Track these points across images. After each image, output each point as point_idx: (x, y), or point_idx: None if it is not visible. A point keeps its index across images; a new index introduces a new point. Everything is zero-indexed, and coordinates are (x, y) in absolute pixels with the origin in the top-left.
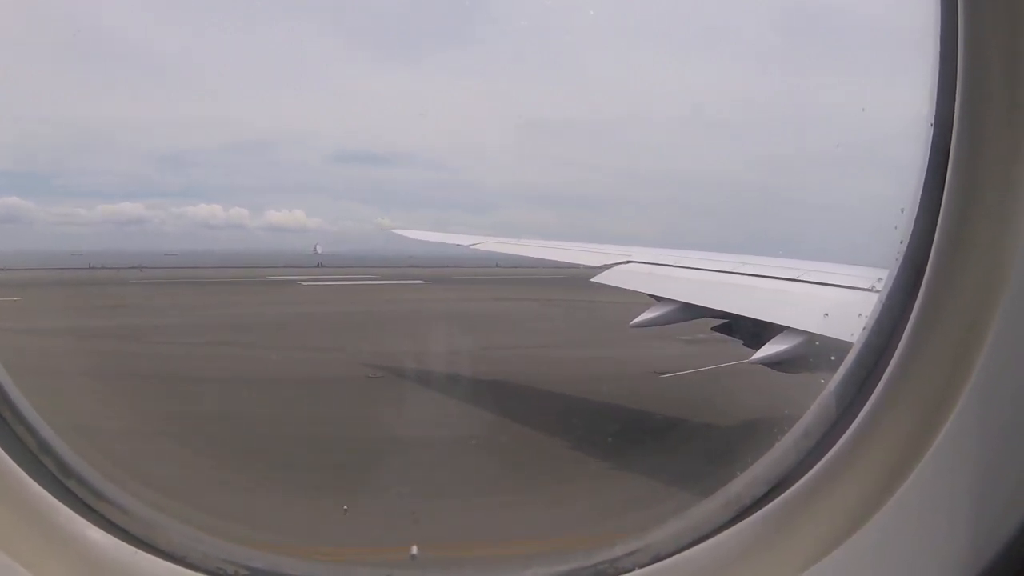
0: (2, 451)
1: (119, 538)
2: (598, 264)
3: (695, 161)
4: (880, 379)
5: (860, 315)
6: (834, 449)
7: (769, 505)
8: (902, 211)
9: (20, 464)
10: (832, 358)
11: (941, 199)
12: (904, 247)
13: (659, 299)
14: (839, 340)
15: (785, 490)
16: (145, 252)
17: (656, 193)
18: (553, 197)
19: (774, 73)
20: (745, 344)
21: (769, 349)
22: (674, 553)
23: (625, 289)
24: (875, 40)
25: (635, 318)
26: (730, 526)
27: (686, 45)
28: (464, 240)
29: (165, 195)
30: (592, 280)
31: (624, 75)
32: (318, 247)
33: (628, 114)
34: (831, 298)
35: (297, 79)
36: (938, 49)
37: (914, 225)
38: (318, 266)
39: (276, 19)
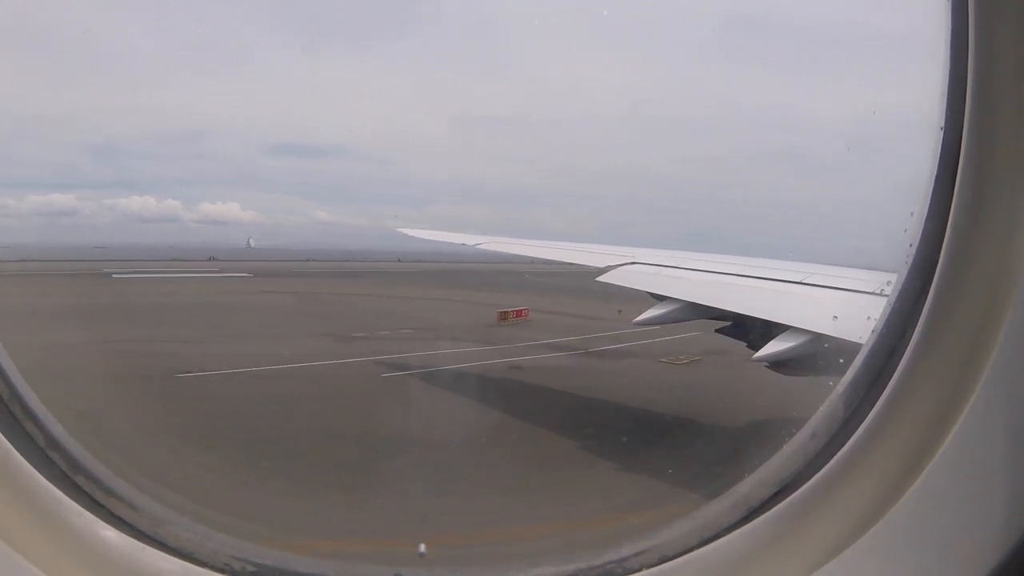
0: (11, 447)
1: (127, 534)
2: (602, 265)
3: (634, 158)
4: (889, 382)
5: (868, 318)
6: (842, 451)
7: (777, 507)
8: (912, 215)
9: (29, 460)
10: (841, 360)
11: (951, 203)
12: (913, 250)
13: (662, 298)
14: (846, 340)
15: (793, 492)
16: (77, 246)
17: (592, 189)
18: (488, 192)
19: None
20: (749, 346)
21: (772, 347)
22: (682, 554)
23: (632, 288)
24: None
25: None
26: (738, 527)
27: (629, 44)
28: (469, 240)
29: (96, 186)
30: (598, 279)
31: (562, 72)
32: (251, 240)
33: (565, 111)
34: (839, 300)
35: (232, 69)
36: (948, 52)
37: (924, 228)
38: (210, 259)
39: (211, 8)
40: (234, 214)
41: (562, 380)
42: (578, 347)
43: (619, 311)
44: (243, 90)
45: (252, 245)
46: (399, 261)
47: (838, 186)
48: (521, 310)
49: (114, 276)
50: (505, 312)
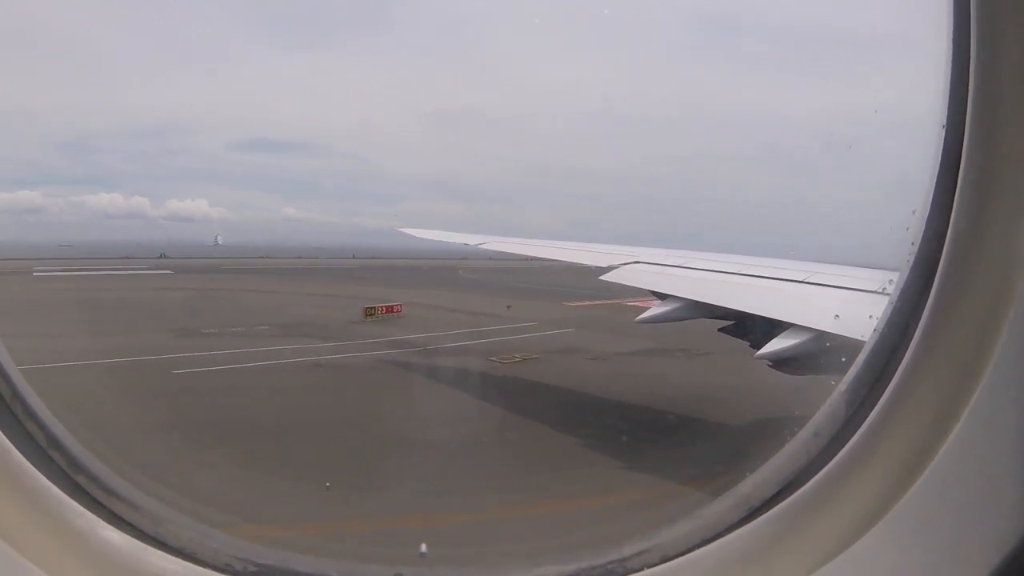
0: (12, 447)
1: (128, 534)
2: (605, 264)
3: (608, 157)
4: (891, 381)
5: (871, 316)
6: (844, 450)
7: (779, 506)
8: (914, 213)
9: (30, 460)
10: (843, 359)
11: (953, 200)
12: (916, 248)
13: (664, 296)
14: (849, 338)
15: (795, 491)
16: (42, 244)
17: (567, 187)
18: (463, 189)
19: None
20: (752, 345)
21: (776, 345)
22: (683, 553)
23: (635, 287)
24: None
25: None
26: (740, 526)
27: (605, 42)
28: (471, 240)
29: (63, 183)
30: (600, 278)
31: (537, 70)
32: (218, 237)
33: (539, 108)
34: (841, 299)
35: (203, 65)
36: (950, 49)
37: (926, 226)
38: (161, 256)
39: (183, 4)
40: (202, 211)
41: (349, 378)
42: (420, 344)
43: (508, 307)
44: (214, 86)
45: (219, 242)
46: (353, 258)
47: (816, 184)
48: (393, 306)
49: (34, 274)
50: (372, 308)
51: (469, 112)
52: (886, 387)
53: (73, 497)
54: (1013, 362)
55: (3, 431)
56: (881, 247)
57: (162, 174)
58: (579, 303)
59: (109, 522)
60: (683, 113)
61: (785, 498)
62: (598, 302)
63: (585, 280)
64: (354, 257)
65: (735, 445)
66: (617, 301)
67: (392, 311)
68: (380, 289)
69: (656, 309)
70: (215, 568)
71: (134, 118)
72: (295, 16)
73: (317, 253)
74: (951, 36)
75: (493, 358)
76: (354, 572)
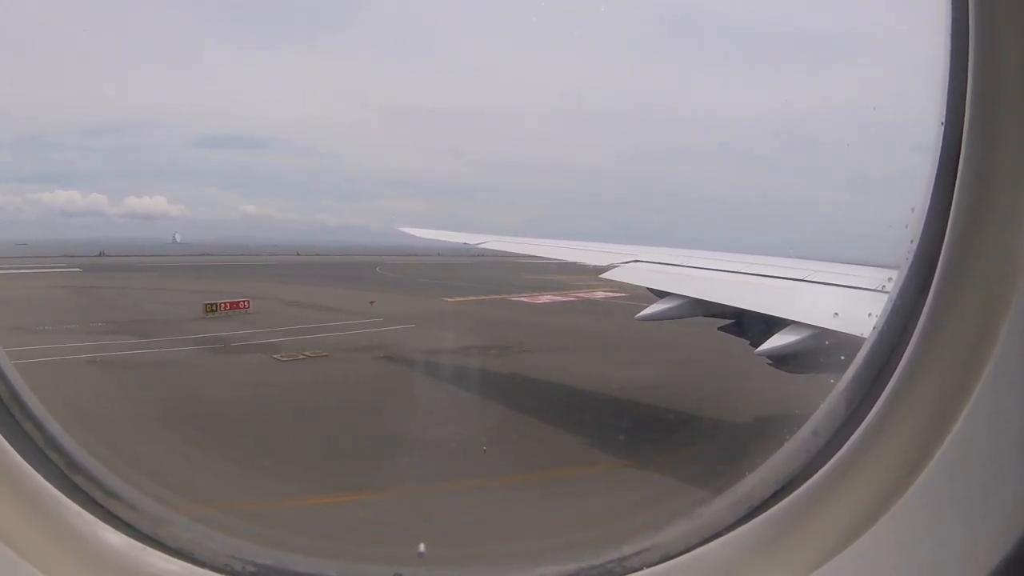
0: (10, 448)
1: (127, 534)
2: (605, 263)
3: (568, 152)
4: (890, 379)
5: (870, 314)
6: (844, 449)
7: (778, 505)
8: (912, 210)
9: (28, 460)
10: (842, 357)
11: (952, 197)
12: (915, 246)
13: (664, 294)
14: (849, 335)
15: (794, 490)
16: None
17: (526, 182)
18: (423, 185)
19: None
20: (752, 344)
21: (776, 341)
22: (683, 552)
23: (634, 285)
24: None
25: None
26: (739, 525)
27: (566, 39)
28: (472, 239)
29: (19, 180)
30: (600, 277)
31: (498, 67)
32: (176, 235)
33: (501, 105)
34: (841, 297)
35: (162, 60)
36: (949, 46)
37: (924, 224)
38: (100, 255)
39: None
40: (161, 208)
41: (105, 373)
42: (228, 340)
43: (371, 302)
44: (173, 82)
45: (177, 240)
46: (297, 255)
47: (769, 181)
48: (239, 302)
49: None
50: (213, 304)
51: (430, 109)
52: (885, 385)
53: (71, 498)
54: (1013, 358)
55: (1, 432)
56: (838, 243)
57: (120, 171)
58: (465, 298)
59: (107, 522)
60: (645, 109)
61: (784, 497)
62: (493, 296)
63: (519, 276)
64: (298, 254)
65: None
66: (504, 296)
67: (238, 307)
68: (269, 286)
69: (655, 307)
70: (213, 568)
71: (92, 114)
72: (255, 12)
73: (275, 250)
74: (950, 31)
75: (278, 355)
76: (352, 572)
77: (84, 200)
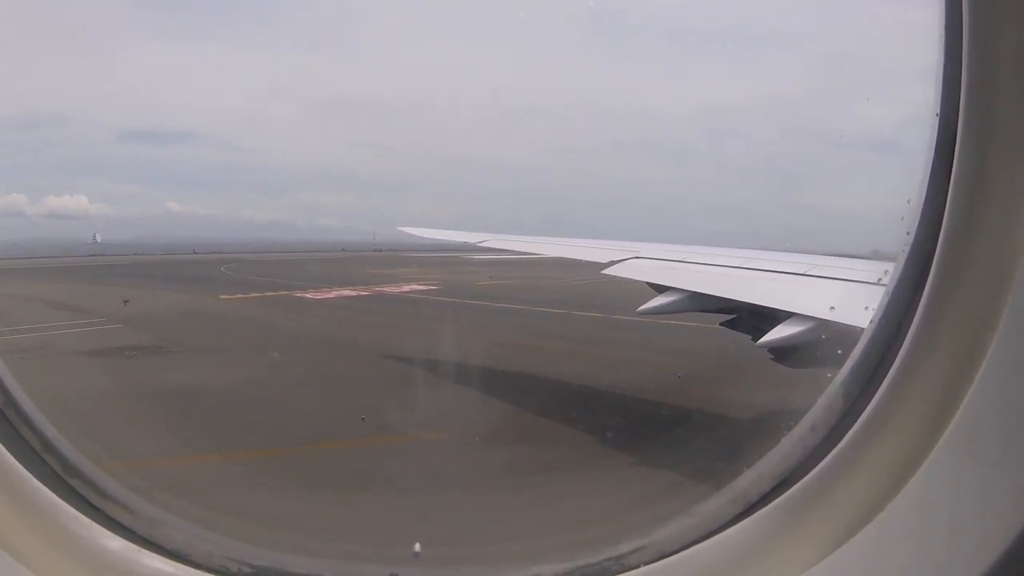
0: (5, 451)
1: (122, 537)
2: (605, 260)
3: (495, 146)
4: (887, 373)
5: (867, 308)
6: (841, 444)
7: (776, 501)
8: (908, 202)
9: (23, 463)
10: (839, 351)
11: (948, 190)
12: (911, 239)
13: (664, 289)
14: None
15: (792, 486)
16: None
17: (456, 177)
18: (352, 179)
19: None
20: (753, 339)
21: (777, 333)
22: (680, 550)
23: (637, 280)
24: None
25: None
26: (736, 522)
27: (493, 31)
28: (472, 238)
29: None
30: (603, 272)
31: (425, 61)
32: (97, 235)
33: (428, 99)
34: (842, 289)
35: (81, 52)
36: (943, 37)
37: (920, 216)
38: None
39: None
40: (82, 207)
41: None
42: None
43: (125, 302)
44: (93, 75)
45: (98, 240)
46: (193, 252)
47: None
48: None
49: None
50: None
51: (357, 101)
52: (883, 380)
53: (67, 501)
54: (1011, 352)
55: None
56: (764, 234)
57: (40, 168)
58: (247, 295)
59: (104, 525)
60: (572, 105)
61: (781, 494)
62: (283, 293)
63: (380, 271)
64: (195, 252)
65: None
66: (291, 293)
67: None
68: (77, 287)
69: (656, 301)
70: (210, 570)
71: (8, 108)
72: (176, 5)
73: (199, 248)
74: (944, 22)
75: None
76: (349, 573)
77: (2, 200)
